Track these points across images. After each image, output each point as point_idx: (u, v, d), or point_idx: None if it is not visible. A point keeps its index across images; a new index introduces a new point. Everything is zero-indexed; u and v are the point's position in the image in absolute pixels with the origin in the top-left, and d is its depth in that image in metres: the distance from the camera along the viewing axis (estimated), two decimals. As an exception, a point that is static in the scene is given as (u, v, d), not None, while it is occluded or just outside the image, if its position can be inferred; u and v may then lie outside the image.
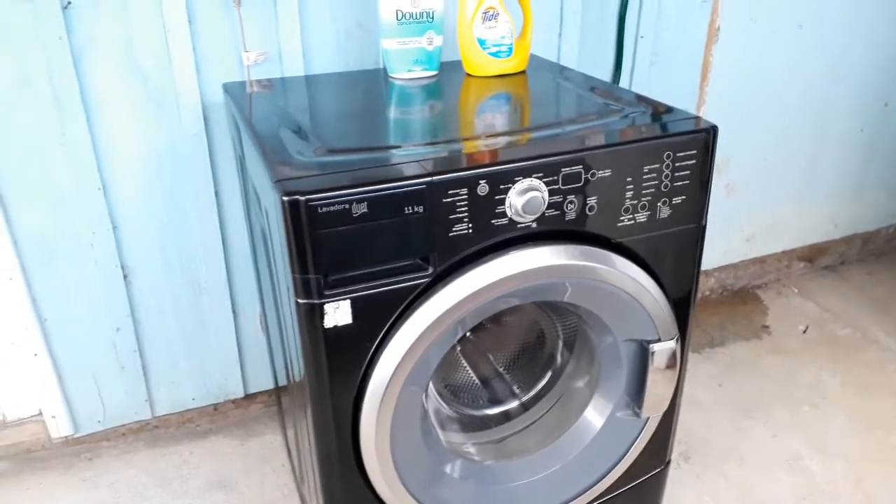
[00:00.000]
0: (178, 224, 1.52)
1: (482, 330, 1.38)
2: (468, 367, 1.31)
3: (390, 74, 1.37)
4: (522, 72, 1.39)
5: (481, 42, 1.33)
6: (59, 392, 1.58)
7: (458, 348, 1.28)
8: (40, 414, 1.62)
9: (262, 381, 1.76)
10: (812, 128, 2.11)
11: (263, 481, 1.59)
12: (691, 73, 1.86)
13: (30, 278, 1.46)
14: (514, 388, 1.28)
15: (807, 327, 2.09)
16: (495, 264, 0.96)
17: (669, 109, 1.14)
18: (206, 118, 1.45)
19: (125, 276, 1.53)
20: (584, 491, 1.18)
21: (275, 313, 1.21)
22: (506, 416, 1.26)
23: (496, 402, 1.28)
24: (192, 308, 1.62)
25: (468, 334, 1.37)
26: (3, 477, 1.62)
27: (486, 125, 1.14)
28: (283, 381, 1.40)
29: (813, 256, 2.36)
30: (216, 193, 1.52)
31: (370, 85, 1.38)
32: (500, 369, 1.31)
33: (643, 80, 1.79)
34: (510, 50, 1.35)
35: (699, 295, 2.21)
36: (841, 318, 2.14)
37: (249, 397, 1.79)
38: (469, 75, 1.37)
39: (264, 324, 1.56)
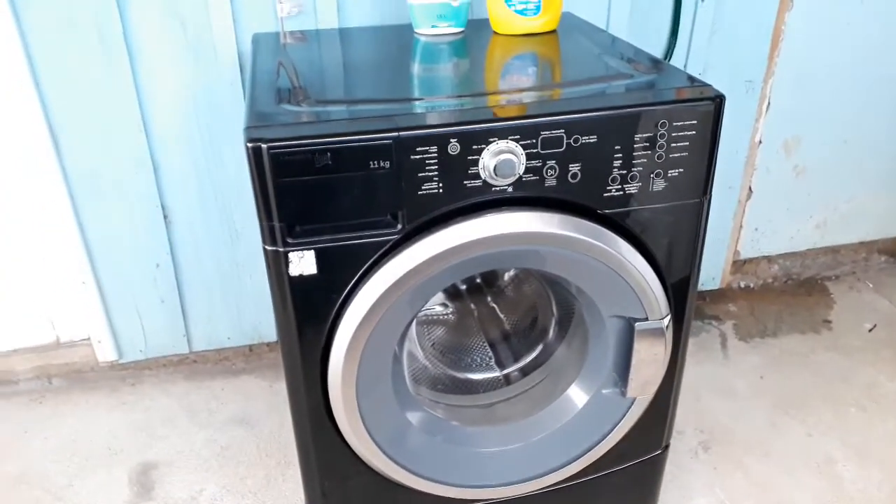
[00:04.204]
0: (214, 169, 1.58)
1: (480, 296, 1.37)
2: (462, 331, 1.30)
3: (415, 30, 1.35)
4: (552, 31, 1.33)
5: (507, -2, 1.28)
6: (104, 319, 1.70)
7: (450, 311, 1.28)
8: (89, 338, 1.75)
9: (293, 327, 1.82)
10: (902, 108, 1.92)
11: (283, 423, 1.65)
12: (759, 42, 1.73)
13: (79, 210, 1.57)
14: (505, 357, 1.26)
15: (874, 326, 1.94)
16: (467, 226, 0.94)
17: (686, 77, 1.07)
18: (241, 66, 1.49)
19: (165, 216, 1.62)
20: (560, 467, 1.15)
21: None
22: (492, 384, 1.25)
23: (482, 368, 1.27)
24: (228, 252, 1.69)
25: (465, 299, 1.37)
26: (57, 392, 1.77)
27: (479, 85, 1.11)
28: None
29: (897, 250, 2.17)
30: (250, 142, 1.56)
31: (395, 40, 1.37)
32: (493, 337, 1.30)
33: (702, 49, 1.68)
34: (538, 8, 1.30)
35: (760, 282, 2.10)
36: (917, 320, 1.96)
37: (282, 342, 1.85)
38: (496, 33, 1.33)
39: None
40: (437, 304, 1.36)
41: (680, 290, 1.08)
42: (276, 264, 0.93)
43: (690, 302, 1.11)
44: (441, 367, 1.26)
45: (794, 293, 2.10)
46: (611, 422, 1.15)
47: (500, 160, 0.91)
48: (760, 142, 1.87)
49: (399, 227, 0.94)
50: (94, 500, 1.48)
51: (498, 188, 0.94)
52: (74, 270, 1.63)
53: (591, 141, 0.94)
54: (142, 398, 1.75)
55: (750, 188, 1.93)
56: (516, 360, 1.27)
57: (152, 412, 1.71)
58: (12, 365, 1.77)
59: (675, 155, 0.97)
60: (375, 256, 0.95)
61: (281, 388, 1.77)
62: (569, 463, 1.16)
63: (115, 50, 1.42)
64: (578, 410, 1.13)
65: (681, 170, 0.99)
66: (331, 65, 1.26)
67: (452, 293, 1.38)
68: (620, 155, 0.95)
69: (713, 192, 1.04)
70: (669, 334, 1.07)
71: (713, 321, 1.98)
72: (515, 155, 0.92)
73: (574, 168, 0.95)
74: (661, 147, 0.96)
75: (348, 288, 0.96)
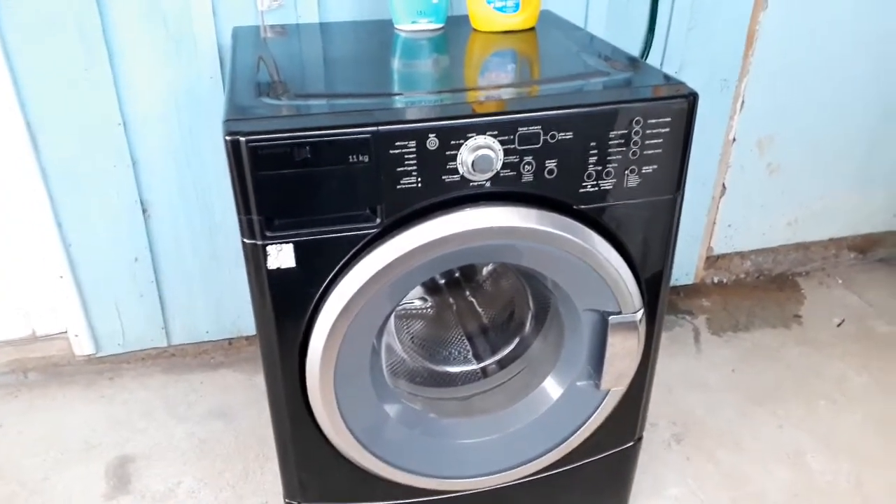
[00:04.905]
0: (194, 163, 1.58)
1: (459, 290, 1.38)
2: (440, 324, 1.31)
3: (395, 25, 1.36)
4: (531, 28, 1.35)
5: (486, -5, 1.30)
6: (81, 313, 1.69)
7: (428, 305, 1.29)
8: (66, 332, 1.74)
9: (272, 321, 1.82)
10: (874, 106, 1.95)
11: (260, 415, 1.65)
12: (734, 41, 1.76)
13: (56, 205, 1.56)
14: (482, 350, 1.28)
15: (842, 320, 1.98)
16: (445, 220, 0.95)
17: (662, 75, 1.09)
18: (221, 61, 1.49)
19: (144, 210, 1.61)
20: (536, 457, 1.17)
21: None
22: (469, 377, 1.26)
23: (460, 361, 1.28)
24: (207, 245, 1.69)
25: (443, 293, 1.38)
26: (33, 386, 1.76)
27: (458, 81, 1.13)
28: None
29: (866, 247, 2.22)
30: (230, 135, 1.56)
31: (375, 35, 1.38)
32: (471, 331, 1.31)
33: (679, 47, 1.71)
34: (517, 5, 1.31)
35: (733, 277, 2.13)
36: (885, 315, 2.01)
37: (261, 336, 1.86)
38: (475, 30, 1.35)
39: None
40: (415, 298, 1.37)
41: (653, 285, 1.11)
42: (255, 257, 0.94)
43: (663, 296, 1.13)
44: (419, 360, 1.28)
45: (766, 288, 2.14)
46: (585, 413, 1.17)
47: (478, 155, 0.92)
48: (735, 140, 1.90)
49: (378, 220, 0.95)
50: (70, 494, 1.47)
51: (476, 183, 0.95)
52: (52, 264, 1.62)
53: (567, 137, 0.95)
54: (120, 392, 1.74)
55: (724, 185, 1.96)
56: (493, 353, 1.29)
57: (130, 405, 1.70)
58: (-13, 358, 1.76)
59: (649, 152, 0.99)
60: (354, 250, 0.96)
61: (260, 381, 1.78)
62: (544, 454, 1.18)
63: (95, 44, 1.41)
64: (553, 402, 1.16)
65: (654, 166, 1.01)
66: (311, 59, 1.27)
67: (431, 287, 1.39)
68: (596, 151, 0.97)
69: (687, 189, 1.07)
70: (643, 328, 1.10)
71: (686, 315, 2.01)
72: (493, 150, 0.93)
73: (550, 164, 0.97)
74: (635, 144, 0.98)
75: (327, 281, 0.97)
